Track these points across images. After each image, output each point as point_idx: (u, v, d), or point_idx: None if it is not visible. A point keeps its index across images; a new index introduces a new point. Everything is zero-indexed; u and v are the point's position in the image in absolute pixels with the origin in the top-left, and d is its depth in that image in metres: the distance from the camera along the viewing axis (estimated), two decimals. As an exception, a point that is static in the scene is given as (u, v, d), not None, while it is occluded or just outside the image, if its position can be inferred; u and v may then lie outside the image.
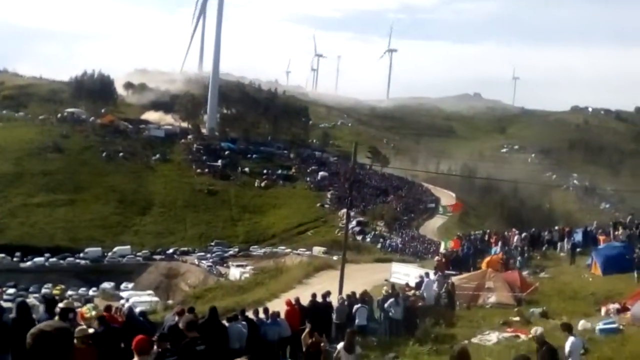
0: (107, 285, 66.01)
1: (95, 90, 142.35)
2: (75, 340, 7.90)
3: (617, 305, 17.94)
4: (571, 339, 11.20)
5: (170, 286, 66.69)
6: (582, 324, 16.13)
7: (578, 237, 34.98)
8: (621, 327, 15.65)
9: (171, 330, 10.98)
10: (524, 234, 38.35)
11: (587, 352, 12.66)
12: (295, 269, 38.60)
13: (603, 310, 18.21)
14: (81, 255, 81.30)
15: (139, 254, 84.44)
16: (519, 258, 30.59)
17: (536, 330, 11.17)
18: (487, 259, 28.52)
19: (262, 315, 15.41)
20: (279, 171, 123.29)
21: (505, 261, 28.76)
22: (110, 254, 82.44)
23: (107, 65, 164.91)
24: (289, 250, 76.47)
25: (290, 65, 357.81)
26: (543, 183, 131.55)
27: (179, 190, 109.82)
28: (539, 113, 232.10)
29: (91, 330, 8.38)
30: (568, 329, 11.45)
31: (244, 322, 13.53)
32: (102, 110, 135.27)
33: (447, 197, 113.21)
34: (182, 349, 9.17)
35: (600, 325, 15.57)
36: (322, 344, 12.07)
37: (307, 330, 12.43)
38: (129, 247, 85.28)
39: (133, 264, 79.67)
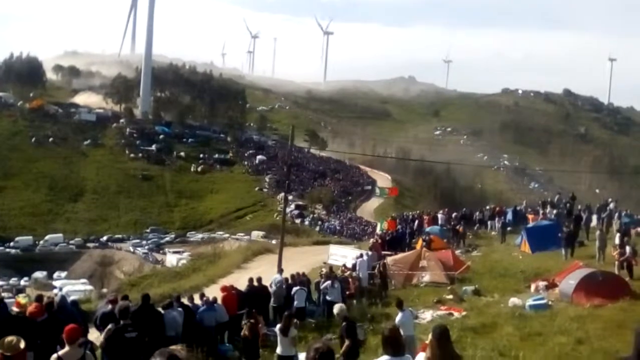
0: (39, 274, 63.93)
1: (24, 73, 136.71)
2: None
3: (545, 282, 18.58)
4: (400, 314, 11.81)
5: (104, 274, 65.12)
6: (512, 301, 16.71)
7: (508, 216, 36.26)
8: (550, 302, 16.24)
9: (104, 318, 10.78)
10: (454, 214, 39.42)
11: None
12: (234, 253, 38.45)
13: (532, 286, 18.83)
14: (11, 244, 78.62)
15: (71, 242, 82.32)
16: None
17: (340, 307, 11.88)
18: (421, 238, 29.13)
19: (198, 301, 15.28)
20: (216, 155, 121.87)
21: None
22: (41, 242, 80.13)
23: (35, 48, 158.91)
24: (227, 235, 76.03)
25: (225, 47, 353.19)
26: (475, 164, 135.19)
27: (112, 175, 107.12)
28: (471, 96, 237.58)
29: (22, 345, 8.10)
30: (399, 305, 12.16)
31: (179, 309, 13.38)
32: (31, 94, 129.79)
33: (383, 180, 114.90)
34: (111, 335, 9.04)
35: (529, 302, 16.12)
36: (259, 326, 12.09)
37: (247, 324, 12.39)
38: (61, 235, 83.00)
39: (66, 253, 77.57)
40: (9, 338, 8.06)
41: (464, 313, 16.39)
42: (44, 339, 8.80)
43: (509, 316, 15.13)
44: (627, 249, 18.94)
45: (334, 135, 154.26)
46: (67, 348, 6.88)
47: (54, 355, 6.86)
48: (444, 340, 6.04)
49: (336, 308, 11.20)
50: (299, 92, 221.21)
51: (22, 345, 8.17)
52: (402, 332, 10.49)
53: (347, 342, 9.97)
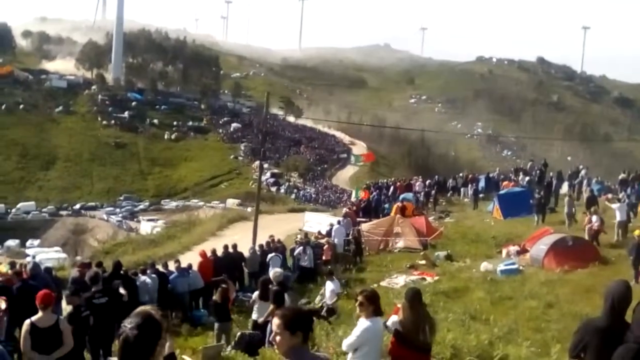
0: (11, 242, 63.01)
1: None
2: None
3: (516, 247, 18.89)
4: (328, 282, 12.04)
5: (78, 242, 64.64)
6: (484, 266, 16.96)
7: (481, 183, 36.63)
8: (521, 267, 16.56)
9: (73, 283, 10.73)
10: (427, 181, 39.73)
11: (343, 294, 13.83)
12: (209, 221, 38.41)
13: (504, 252, 19.13)
14: (-18, 212, 77.44)
15: (44, 210, 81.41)
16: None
17: (275, 271, 11.93)
18: (395, 205, 29.31)
19: (172, 268, 15.26)
20: (190, 123, 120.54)
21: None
22: (13, 210, 79.13)
23: (4, 14, 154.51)
24: (202, 203, 75.73)
25: (198, 13, 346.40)
26: (449, 132, 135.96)
27: (84, 143, 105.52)
28: (446, 64, 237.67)
29: (3, 306, 8.06)
30: (329, 274, 12.45)
31: (153, 275, 13.35)
32: (0, 61, 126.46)
33: (359, 148, 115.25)
34: (82, 303, 9.02)
35: (501, 267, 16.40)
36: (229, 291, 12.11)
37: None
38: (33, 203, 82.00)
39: (38, 221, 76.71)
40: None
41: (436, 278, 16.60)
42: (18, 305, 8.74)
43: (480, 281, 15.38)
44: (594, 218, 19.23)
45: (309, 103, 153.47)
46: (40, 313, 6.85)
47: (27, 321, 6.83)
48: (416, 302, 6.11)
49: (272, 272, 11.26)
50: (274, 60, 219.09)
51: (3, 305, 8.15)
52: (329, 301, 10.82)
53: (271, 307, 10.20)
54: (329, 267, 13.09)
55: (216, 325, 11.00)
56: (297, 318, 3.68)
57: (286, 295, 10.32)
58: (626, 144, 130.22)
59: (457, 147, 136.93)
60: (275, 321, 3.73)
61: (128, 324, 2.75)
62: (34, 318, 6.88)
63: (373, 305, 5.89)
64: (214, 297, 11.22)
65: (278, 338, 3.68)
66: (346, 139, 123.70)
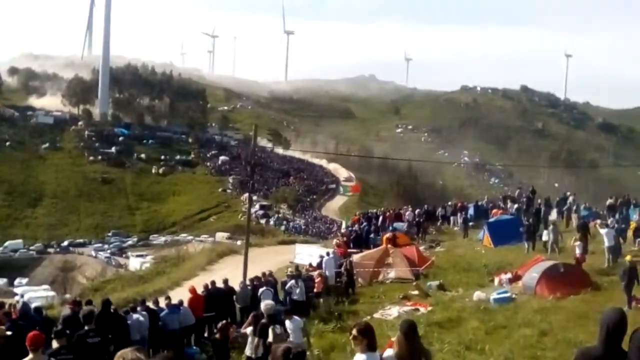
0: (-1, 281, 62.29)
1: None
2: None
3: (509, 275, 18.86)
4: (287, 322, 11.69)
5: (67, 280, 63.85)
6: (476, 295, 16.89)
7: (470, 211, 36.73)
8: (513, 296, 16.50)
9: (65, 322, 10.56)
10: (417, 210, 39.78)
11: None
12: (198, 256, 38.05)
13: (496, 280, 19.08)
14: (-30, 251, 76.54)
15: (31, 247, 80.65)
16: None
17: (266, 303, 11.54)
18: (386, 235, 29.25)
19: (162, 304, 15.08)
20: (178, 157, 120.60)
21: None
22: (0, 249, 78.23)
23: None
24: (191, 237, 75.20)
25: (185, 47, 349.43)
26: (436, 161, 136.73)
27: (71, 179, 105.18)
28: (431, 93, 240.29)
29: (8, 333, 7.93)
30: (288, 313, 12.22)
31: (144, 312, 13.18)
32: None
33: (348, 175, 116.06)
34: (75, 341, 8.89)
35: (494, 295, 16.35)
36: (230, 330, 12.01)
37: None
38: (20, 241, 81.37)
39: (26, 259, 75.96)
40: None
41: (429, 308, 16.51)
42: (8, 348, 8.57)
43: (474, 310, 15.31)
44: (577, 245, 19.32)
45: (297, 135, 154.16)
46: (30, 355, 6.73)
47: (18, 363, 6.71)
48: (411, 334, 6.06)
49: (263, 305, 11.16)
50: (261, 92, 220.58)
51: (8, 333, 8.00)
52: (292, 338, 10.75)
53: (255, 341, 10.45)
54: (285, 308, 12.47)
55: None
56: (287, 357, 3.67)
57: (274, 329, 10.21)
58: (612, 169, 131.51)
59: (444, 176, 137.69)
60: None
61: None
62: (25, 360, 6.77)
63: (367, 339, 5.83)
64: (215, 336, 11.08)
65: None
66: (338, 170, 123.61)
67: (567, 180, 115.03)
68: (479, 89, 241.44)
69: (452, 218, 38.71)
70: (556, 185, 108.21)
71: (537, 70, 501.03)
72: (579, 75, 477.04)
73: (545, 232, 23.96)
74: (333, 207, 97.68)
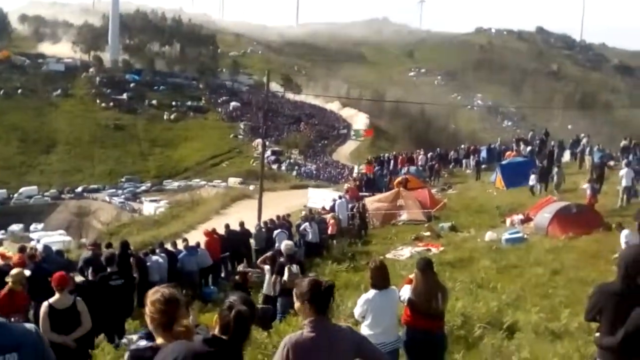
0: (15, 227, 63.13)
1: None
2: (11, 283, 7.71)
3: (520, 216, 18.95)
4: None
5: (82, 225, 64.73)
6: (488, 235, 17.03)
7: (483, 154, 36.69)
8: (525, 236, 16.58)
9: (86, 263, 10.81)
10: (430, 154, 39.79)
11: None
12: (212, 200, 38.53)
13: (508, 221, 19.20)
14: (-15, 198, 77.68)
15: (46, 194, 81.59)
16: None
17: (286, 244, 11.73)
18: (397, 179, 29.39)
19: (180, 246, 15.39)
20: (189, 103, 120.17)
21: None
22: (16, 195, 79.28)
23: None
24: (203, 182, 75.83)
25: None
26: (449, 104, 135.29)
27: (84, 126, 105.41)
28: (445, 36, 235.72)
29: (27, 273, 8.14)
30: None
31: (162, 254, 13.46)
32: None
33: (362, 119, 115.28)
34: (97, 283, 9.12)
35: (505, 235, 16.46)
36: (248, 274, 12.32)
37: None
38: (35, 187, 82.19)
39: (41, 205, 76.92)
40: (15, 270, 8.18)
41: (441, 248, 16.72)
42: (32, 289, 8.82)
43: (485, 250, 15.49)
44: (587, 187, 19.22)
45: (308, 80, 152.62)
46: (57, 295, 6.91)
47: (45, 303, 6.89)
48: (428, 271, 6.20)
49: (283, 245, 11.41)
50: (272, 36, 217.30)
51: (28, 272, 8.27)
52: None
53: (273, 277, 10.78)
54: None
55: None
56: (315, 289, 3.75)
57: (290, 268, 10.43)
58: (627, 111, 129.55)
59: (457, 120, 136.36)
60: (295, 292, 3.81)
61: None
62: (51, 300, 6.93)
63: (380, 275, 5.99)
64: (235, 278, 11.37)
65: (300, 311, 3.77)
66: (353, 116, 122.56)
67: (582, 123, 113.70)
68: (493, 30, 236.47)
69: (464, 161, 38.75)
70: (569, 127, 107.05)
71: (553, 12, 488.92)
72: (595, 17, 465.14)
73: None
74: (344, 152, 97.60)
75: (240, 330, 3.07)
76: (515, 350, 7.22)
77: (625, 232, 12.79)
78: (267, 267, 11.35)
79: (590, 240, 14.96)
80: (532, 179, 24.21)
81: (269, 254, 11.91)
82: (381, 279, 5.97)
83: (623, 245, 15.29)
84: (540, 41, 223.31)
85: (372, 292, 5.93)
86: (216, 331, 3.11)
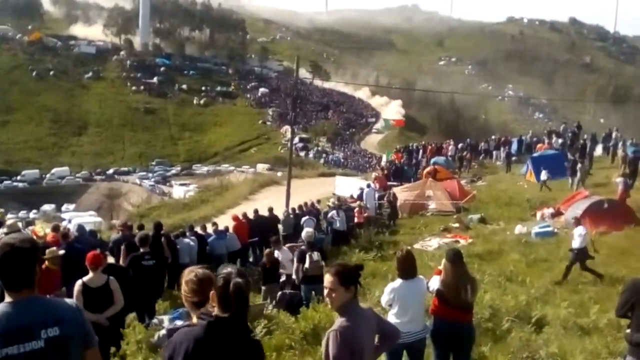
0: (47, 207, 64.37)
1: (21, 5, 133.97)
2: (47, 262, 7.90)
3: (551, 210, 18.69)
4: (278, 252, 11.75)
5: (112, 206, 65.81)
6: (518, 228, 16.86)
7: (513, 146, 36.27)
8: (555, 230, 16.36)
9: (116, 244, 11.00)
10: (460, 145, 39.47)
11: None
12: (241, 185, 38.74)
13: (538, 215, 18.92)
14: (18, 178, 79.11)
15: (78, 175, 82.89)
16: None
17: (307, 231, 11.80)
18: (426, 169, 29.24)
19: (210, 230, 15.58)
20: (218, 88, 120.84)
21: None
22: (48, 175, 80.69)
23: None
24: (232, 168, 76.37)
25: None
26: (479, 94, 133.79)
27: (115, 108, 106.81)
28: (476, 24, 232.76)
29: (61, 252, 8.35)
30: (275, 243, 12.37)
31: (192, 237, 13.65)
32: (29, 27, 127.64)
33: (393, 108, 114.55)
34: (129, 263, 9.28)
35: (535, 229, 16.28)
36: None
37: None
38: (67, 168, 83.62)
39: (73, 185, 78.31)
40: (50, 249, 8.42)
41: (470, 240, 16.60)
42: (66, 268, 9.01)
43: (514, 243, 15.36)
44: (620, 181, 18.85)
45: (337, 67, 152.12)
46: (91, 274, 7.04)
47: (79, 281, 7.02)
48: (457, 262, 6.20)
49: (304, 232, 11.50)
50: (301, 23, 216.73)
51: (62, 252, 8.50)
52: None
53: (295, 265, 10.86)
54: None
55: (263, 287, 11.27)
56: (349, 273, 3.80)
57: (311, 255, 10.52)
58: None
59: (487, 110, 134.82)
60: (328, 278, 3.85)
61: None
62: (85, 278, 7.05)
63: (407, 265, 6.01)
64: (264, 261, 11.48)
65: (332, 294, 3.82)
66: (384, 106, 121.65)
67: (614, 117, 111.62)
68: (525, 20, 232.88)
69: (494, 152, 38.37)
70: (602, 121, 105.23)
71: (586, 2, 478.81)
72: (629, 8, 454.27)
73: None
74: (372, 140, 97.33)
75: (241, 303, 3.02)
76: (543, 344, 7.19)
77: None
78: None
79: (621, 236, 14.74)
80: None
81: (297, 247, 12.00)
82: (408, 268, 5.99)
83: None
84: (573, 32, 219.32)
85: (398, 281, 5.96)
86: (216, 311, 3.05)
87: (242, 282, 3.03)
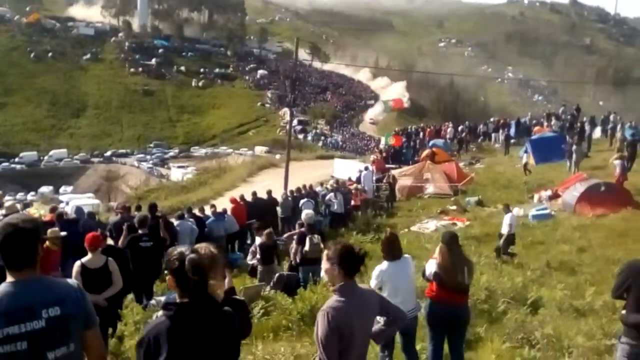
0: (45, 189, 64.38)
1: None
2: (48, 242, 7.92)
3: (548, 193, 18.70)
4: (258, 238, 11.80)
5: (110, 188, 65.87)
6: (515, 211, 16.84)
7: (512, 128, 36.18)
8: (553, 212, 16.41)
9: (116, 227, 11.00)
10: (459, 127, 39.38)
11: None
12: (239, 168, 38.78)
13: (536, 197, 18.95)
14: (16, 159, 79.04)
15: (76, 157, 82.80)
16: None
17: (307, 213, 11.86)
18: (425, 152, 29.22)
19: (208, 212, 15.61)
20: (217, 70, 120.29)
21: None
22: (46, 157, 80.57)
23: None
24: (230, 150, 76.29)
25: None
26: (479, 76, 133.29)
27: (113, 90, 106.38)
28: (476, 6, 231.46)
29: (63, 233, 8.36)
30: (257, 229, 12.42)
31: (191, 219, 13.66)
32: (27, 8, 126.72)
33: (395, 88, 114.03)
34: (127, 244, 9.30)
35: (533, 212, 16.34)
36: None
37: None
38: (65, 150, 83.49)
39: (71, 168, 78.26)
40: (51, 229, 8.45)
41: (467, 223, 16.65)
42: (65, 249, 9.03)
43: (512, 226, 15.36)
44: (617, 164, 18.81)
45: (336, 48, 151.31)
46: (90, 255, 7.06)
47: (78, 262, 7.04)
48: (453, 245, 6.21)
49: (304, 214, 11.53)
50: (300, 4, 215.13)
51: (64, 233, 8.54)
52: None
53: (294, 247, 11.00)
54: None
55: (260, 268, 11.31)
56: (347, 254, 3.78)
57: (311, 238, 10.55)
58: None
59: (487, 92, 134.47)
60: (327, 254, 3.84)
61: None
62: (84, 259, 7.07)
63: (392, 246, 6.03)
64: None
65: (329, 274, 3.81)
66: (384, 88, 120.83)
67: (614, 99, 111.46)
68: (526, 1, 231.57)
69: (493, 135, 38.31)
70: (601, 103, 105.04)
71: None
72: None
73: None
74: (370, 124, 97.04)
75: (200, 281, 2.84)
76: (538, 326, 7.23)
77: None
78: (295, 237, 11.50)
79: (619, 219, 14.75)
80: (524, 157, 24.59)
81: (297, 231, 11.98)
82: (393, 249, 6.01)
83: None
84: (573, 14, 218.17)
85: (385, 264, 5.97)
86: (177, 295, 2.89)
87: (196, 256, 2.88)
